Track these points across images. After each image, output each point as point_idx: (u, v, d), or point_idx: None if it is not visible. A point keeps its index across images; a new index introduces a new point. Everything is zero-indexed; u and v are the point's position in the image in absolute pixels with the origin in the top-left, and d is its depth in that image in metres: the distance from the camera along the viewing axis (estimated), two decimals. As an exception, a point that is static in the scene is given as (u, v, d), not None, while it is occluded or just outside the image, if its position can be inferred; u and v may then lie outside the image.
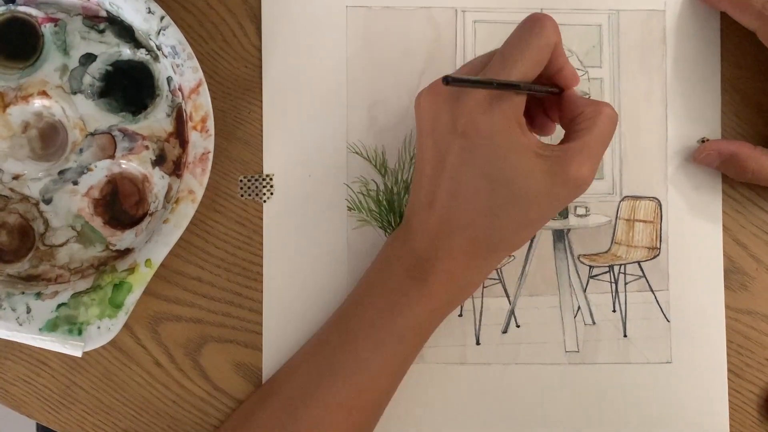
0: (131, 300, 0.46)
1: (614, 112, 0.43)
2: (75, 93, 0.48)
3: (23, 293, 0.46)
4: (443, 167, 0.43)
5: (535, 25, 0.42)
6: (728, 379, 0.50)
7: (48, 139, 0.49)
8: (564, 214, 0.51)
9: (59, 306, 0.46)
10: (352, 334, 0.46)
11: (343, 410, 0.45)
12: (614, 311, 0.51)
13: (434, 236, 0.44)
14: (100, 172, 0.48)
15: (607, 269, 0.51)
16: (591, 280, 0.51)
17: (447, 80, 0.38)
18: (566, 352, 0.51)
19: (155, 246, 0.47)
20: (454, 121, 0.42)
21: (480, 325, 0.51)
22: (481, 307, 0.51)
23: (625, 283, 0.51)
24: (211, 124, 0.47)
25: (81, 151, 0.48)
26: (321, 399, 0.45)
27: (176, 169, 0.48)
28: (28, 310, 0.46)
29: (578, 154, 0.42)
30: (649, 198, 0.51)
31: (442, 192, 0.44)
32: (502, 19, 0.51)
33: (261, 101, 0.51)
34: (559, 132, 0.46)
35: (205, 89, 0.47)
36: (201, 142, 0.47)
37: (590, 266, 0.51)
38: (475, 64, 0.44)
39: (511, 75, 0.41)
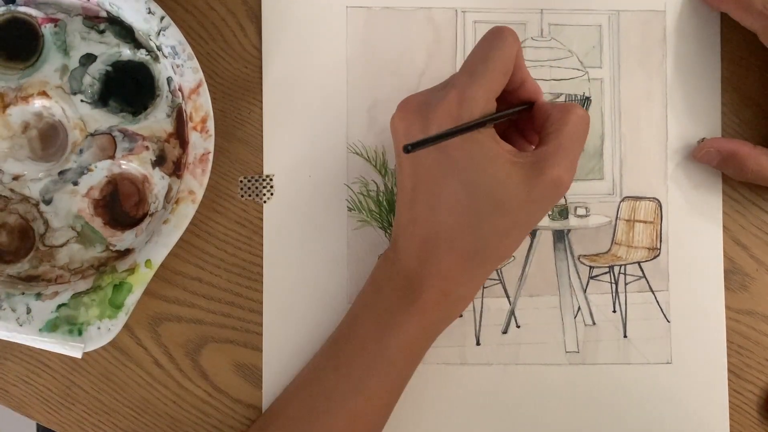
0: (131, 300, 0.46)
1: (584, 112, 0.43)
2: (75, 93, 0.48)
3: (23, 294, 0.46)
4: (421, 182, 0.44)
5: (496, 37, 0.43)
6: (728, 379, 0.50)
7: (48, 139, 0.49)
8: (564, 215, 0.51)
9: (59, 306, 0.46)
10: (344, 358, 0.46)
11: None
12: (614, 312, 0.51)
13: (420, 254, 0.44)
14: (100, 172, 0.48)
15: (607, 270, 0.51)
16: (591, 281, 0.51)
17: (407, 149, 0.37)
18: (566, 352, 0.51)
19: (155, 246, 0.47)
20: (425, 134, 0.42)
21: (480, 325, 0.51)
22: (481, 308, 0.51)
23: (625, 284, 0.51)
24: (211, 124, 0.47)
25: (81, 151, 0.48)
26: (317, 427, 0.45)
27: (176, 170, 0.48)
28: (28, 311, 0.46)
29: (551, 155, 0.42)
30: (649, 198, 0.51)
31: (422, 207, 0.44)
32: (502, 20, 0.51)
33: (261, 102, 0.51)
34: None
35: (205, 90, 0.47)
36: (201, 143, 0.47)
37: (590, 267, 0.51)
38: (430, 91, 0.44)
39: (480, 87, 0.42)
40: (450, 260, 0.44)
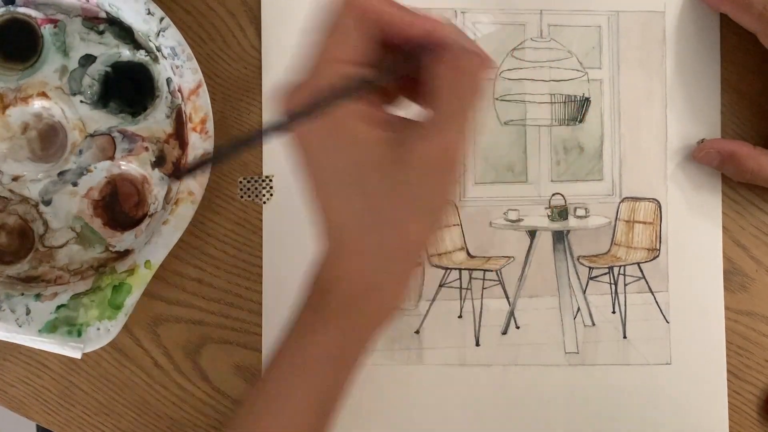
0: (131, 301, 0.46)
1: (479, 58, 0.37)
2: (74, 94, 0.48)
3: (23, 294, 0.46)
4: (307, 182, 0.39)
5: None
6: (728, 380, 0.50)
7: (47, 140, 0.49)
8: (564, 216, 0.51)
9: (59, 307, 0.46)
10: (269, 372, 0.41)
11: None
12: (614, 312, 0.51)
13: (326, 254, 0.40)
14: (100, 173, 0.48)
15: (606, 270, 0.51)
16: (590, 282, 0.51)
17: (176, 175, 0.34)
18: (566, 353, 0.51)
19: (155, 247, 0.47)
20: (293, 137, 0.38)
21: (479, 326, 0.51)
22: (481, 309, 0.51)
23: (625, 285, 0.51)
24: (210, 125, 0.47)
25: (80, 152, 0.48)
26: None
27: (176, 171, 0.48)
28: (28, 312, 0.46)
29: (429, 123, 0.36)
30: (648, 199, 0.51)
31: (317, 207, 0.39)
32: (502, 20, 0.51)
33: (260, 102, 0.51)
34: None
35: (204, 90, 0.47)
36: (200, 144, 0.47)
37: (590, 267, 0.51)
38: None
39: (315, 71, 0.36)
40: (351, 262, 0.39)
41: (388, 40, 0.37)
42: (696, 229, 0.51)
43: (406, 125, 0.38)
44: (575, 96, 0.51)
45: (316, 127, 0.36)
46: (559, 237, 0.51)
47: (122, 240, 0.48)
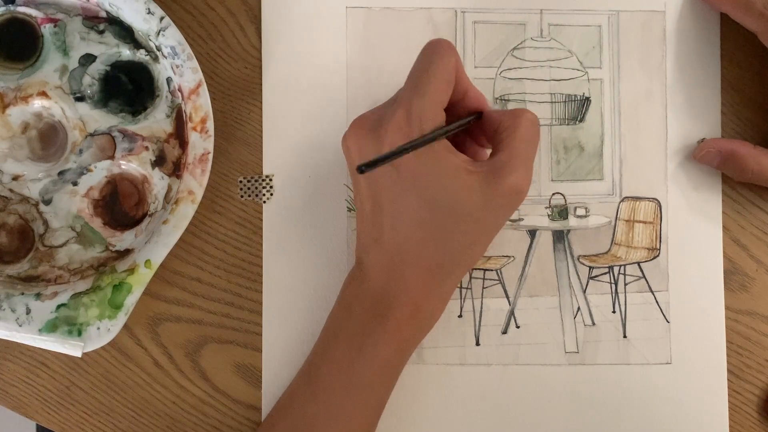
0: (131, 301, 0.46)
1: (533, 115, 0.44)
2: (74, 93, 0.48)
3: (23, 294, 0.46)
4: (380, 202, 0.44)
5: (433, 50, 0.44)
6: (728, 379, 0.50)
7: (47, 139, 0.49)
8: (564, 215, 0.51)
9: (59, 307, 0.46)
10: (321, 384, 0.45)
11: None
12: (614, 312, 0.51)
13: (387, 272, 0.44)
14: (100, 172, 0.48)
15: (606, 270, 0.51)
16: (591, 281, 0.51)
17: (361, 169, 0.37)
18: (566, 353, 0.51)
19: (155, 247, 0.47)
20: (379, 154, 0.42)
21: (480, 325, 0.51)
22: (481, 308, 0.51)
23: (625, 284, 0.51)
24: (210, 124, 0.47)
25: (80, 151, 0.48)
26: None
27: (176, 170, 0.48)
28: (28, 311, 0.46)
29: (507, 163, 0.42)
30: (648, 199, 0.51)
31: (385, 227, 0.44)
32: (502, 20, 0.51)
33: (261, 102, 0.51)
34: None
35: (204, 90, 0.47)
36: (201, 143, 0.47)
37: (590, 267, 0.51)
38: (377, 110, 0.45)
39: (426, 100, 0.42)
40: (417, 275, 0.44)
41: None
42: (696, 228, 0.51)
43: (481, 162, 0.43)
44: (575, 95, 0.52)
45: (410, 157, 0.42)
46: (560, 236, 0.51)
47: (122, 239, 0.48)
